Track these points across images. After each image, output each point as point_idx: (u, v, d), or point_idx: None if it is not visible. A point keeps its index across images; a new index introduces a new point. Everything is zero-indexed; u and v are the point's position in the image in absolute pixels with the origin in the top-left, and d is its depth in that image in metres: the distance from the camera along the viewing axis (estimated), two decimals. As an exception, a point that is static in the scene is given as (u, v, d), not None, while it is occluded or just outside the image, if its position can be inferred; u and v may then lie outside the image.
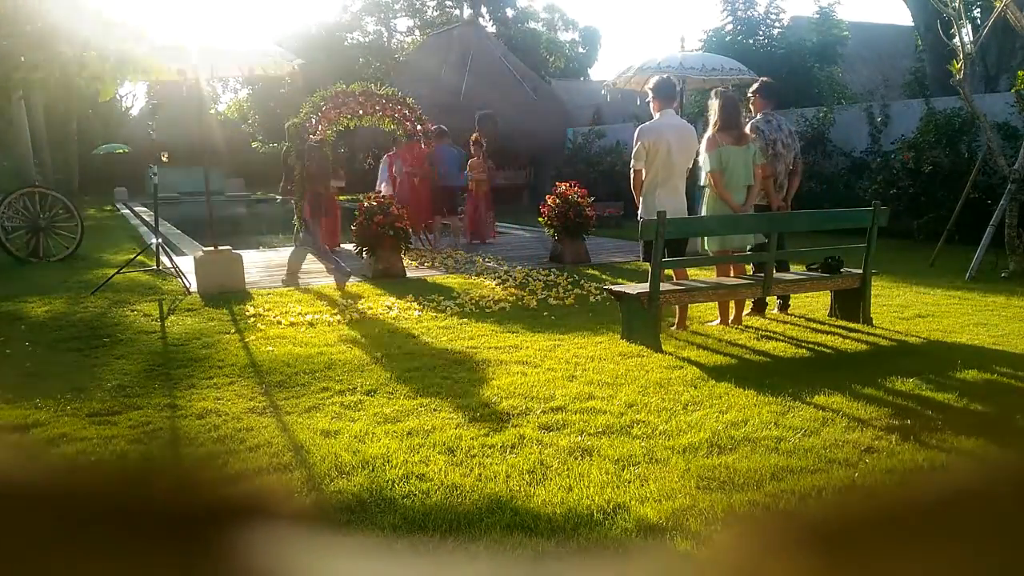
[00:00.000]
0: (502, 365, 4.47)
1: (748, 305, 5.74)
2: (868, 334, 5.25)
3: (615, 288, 5.36)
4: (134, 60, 3.98)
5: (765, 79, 6.06)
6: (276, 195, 9.62)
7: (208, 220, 7.59)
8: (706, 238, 5.40)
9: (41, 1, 3.78)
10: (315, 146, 10.20)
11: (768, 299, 5.72)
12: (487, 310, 6.11)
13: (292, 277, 7.94)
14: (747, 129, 5.41)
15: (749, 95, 5.92)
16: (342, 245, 10.09)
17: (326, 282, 7.61)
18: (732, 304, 5.48)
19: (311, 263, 9.15)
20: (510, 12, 34.09)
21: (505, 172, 18.62)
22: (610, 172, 15.49)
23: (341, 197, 10.63)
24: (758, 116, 5.75)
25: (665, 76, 5.62)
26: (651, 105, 5.45)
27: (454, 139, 10.98)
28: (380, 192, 9.67)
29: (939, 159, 10.11)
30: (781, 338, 5.15)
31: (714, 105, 5.33)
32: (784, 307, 6.01)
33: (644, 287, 4.96)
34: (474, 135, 10.92)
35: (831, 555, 0.25)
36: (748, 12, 16.30)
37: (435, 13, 34.94)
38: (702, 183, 5.51)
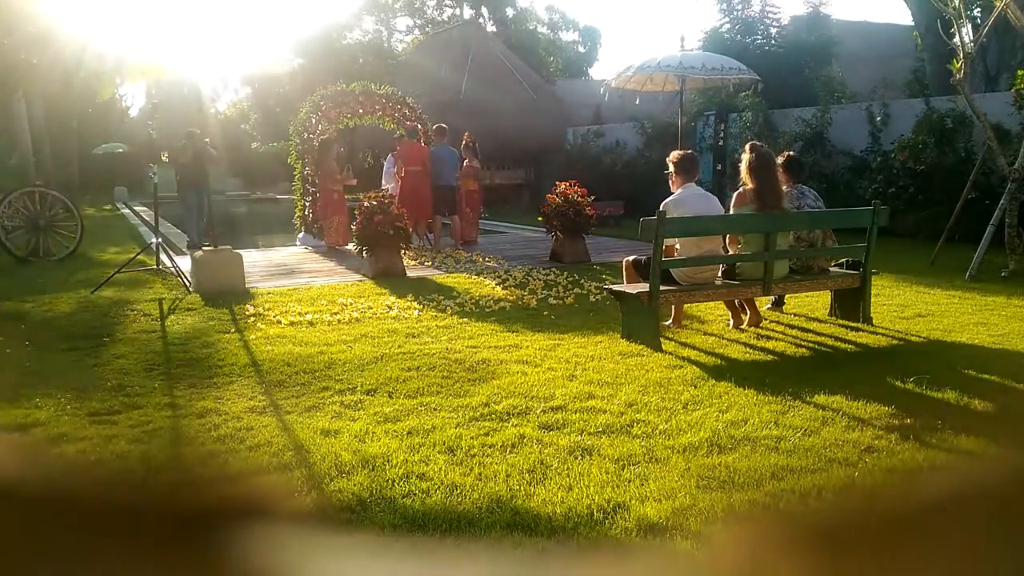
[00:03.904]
0: (502, 365, 4.47)
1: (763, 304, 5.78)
2: (868, 333, 5.25)
3: (615, 287, 5.35)
4: (133, 60, 3.98)
5: (789, 155, 6.00)
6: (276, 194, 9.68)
7: (208, 220, 7.59)
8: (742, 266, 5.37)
9: (41, 1, 3.78)
10: (328, 144, 10.23)
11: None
12: (487, 310, 6.11)
13: None
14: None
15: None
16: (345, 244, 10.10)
17: (326, 282, 7.62)
18: (746, 306, 5.48)
19: (313, 262, 9.15)
20: (510, 12, 34.08)
21: (505, 172, 18.64)
22: (610, 172, 15.51)
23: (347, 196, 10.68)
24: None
25: (688, 152, 5.57)
26: (671, 180, 5.42)
27: (452, 138, 10.99)
28: (386, 190, 9.69)
29: (935, 159, 10.11)
30: (781, 338, 5.15)
31: (746, 159, 5.26)
32: (779, 304, 6.03)
33: (644, 286, 4.96)
34: (466, 136, 10.92)
35: (831, 555, 0.25)
36: (744, 12, 16.32)
37: (435, 13, 34.93)
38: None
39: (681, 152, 5.52)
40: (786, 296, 6.06)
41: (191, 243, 10.43)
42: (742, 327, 5.40)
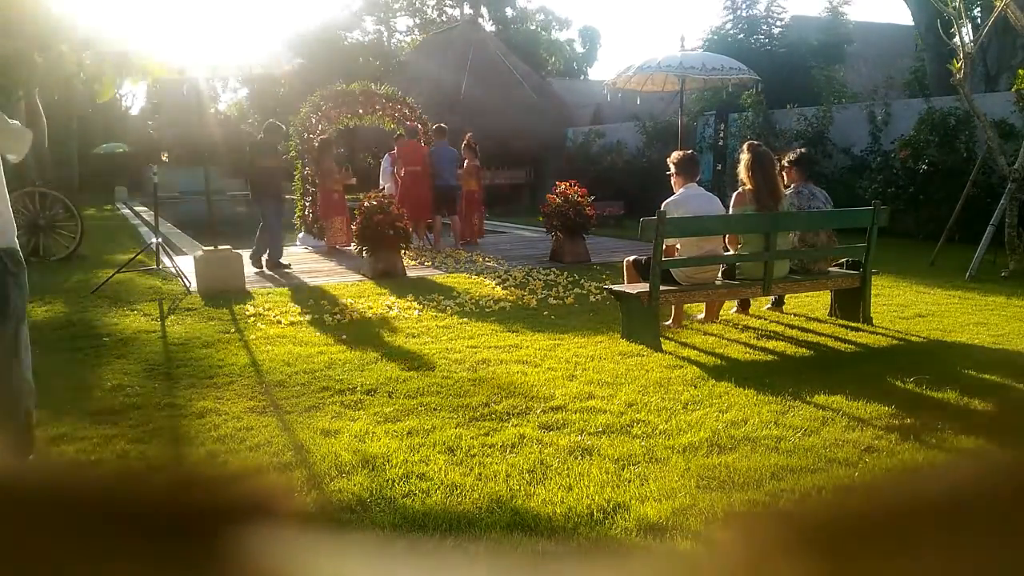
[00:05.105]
0: (502, 365, 4.47)
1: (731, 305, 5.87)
2: (868, 333, 5.25)
3: (615, 287, 5.36)
4: (133, 60, 3.98)
5: (802, 151, 5.95)
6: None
7: (209, 219, 7.59)
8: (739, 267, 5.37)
9: (40, 1, 3.78)
10: (327, 144, 10.21)
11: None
12: (487, 310, 6.11)
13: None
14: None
15: (785, 163, 5.73)
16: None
17: (326, 282, 7.62)
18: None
19: (314, 262, 9.15)
20: (510, 12, 34.09)
21: (505, 172, 18.64)
22: (610, 172, 15.51)
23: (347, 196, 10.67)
24: (790, 189, 5.64)
25: (689, 152, 5.61)
26: (672, 180, 5.47)
27: (452, 138, 10.99)
28: (383, 190, 9.68)
29: (936, 158, 10.11)
30: (781, 338, 5.15)
31: (745, 159, 5.26)
32: (779, 304, 6.03)
33: (644, 286, 4.96)
34: (467, 136, 10.92)
35: (831, 555, 0.25)
36: (749, 11, 16.32)
37: (435, 13, 34.95)
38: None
39: (681, 153, 5.54)
40: (786, 296, 6.06)
41: (271, 262, 8.50)
42: (708, 321, 5.53)
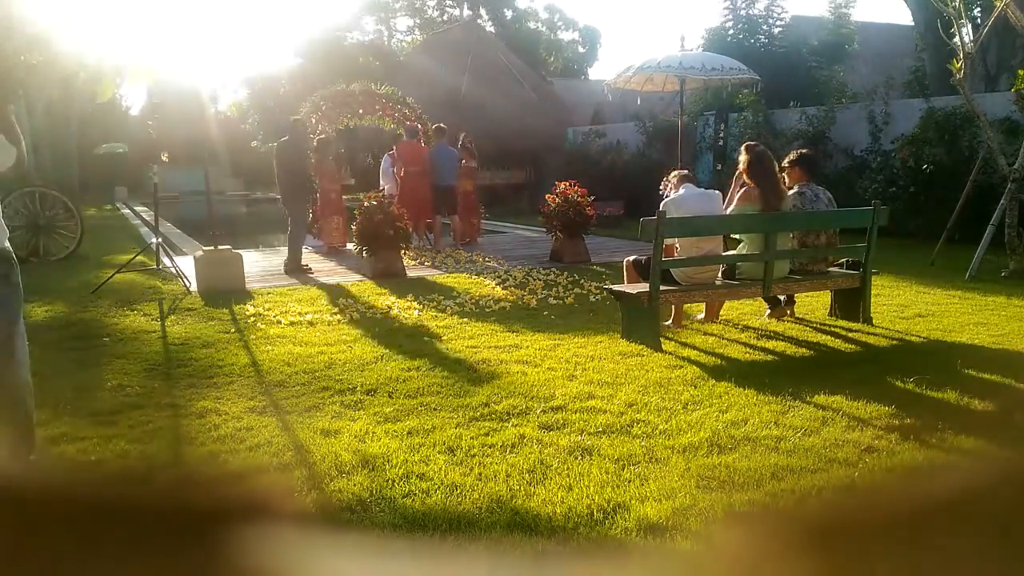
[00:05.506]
0: (502, 364, 4.47)
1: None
2: (868, 334, 5.25)
3: (615, 287, 5.36)
4: (134, 61, 3.98)
5: (803, 151, 5.93)
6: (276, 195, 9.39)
7: (209, 220, 7.59)
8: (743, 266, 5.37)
9: (40, 1, 3.78)
10: (326, 144, 10.20)
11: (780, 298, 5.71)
12: (487, 310, 6.11)
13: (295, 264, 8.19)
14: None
15: (785, 165, 5.70)
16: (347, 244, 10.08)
17: (326, 281, 7.62)
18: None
19: (313, 262, 9.14)
20: (510, 12, 34.10)
21: (505, 172, 18.64)
22: (610, 172, 15.51)
23: (344, 196, 10.67)
24: (792, 190, 5.59)
25: (684, 172, 5.75)
26: (671, 183, 5.58)
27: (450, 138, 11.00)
28: (383, 190, 9.68)
29: (938, 158, 10.10)
30: (781, 338, 5.15)
31: (744, 161, 5.28)
32: (776, 304, 6.01)
33: (644, 286, 4.96)
34: (464, 137, 10.92)
35: (831, 555, 0.25)
36: (749, 11, 16.32)
37: (435, 13, 34.97)
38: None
39: (676, 174, 5.65)
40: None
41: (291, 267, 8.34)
42: (709, 320, 5.54)
